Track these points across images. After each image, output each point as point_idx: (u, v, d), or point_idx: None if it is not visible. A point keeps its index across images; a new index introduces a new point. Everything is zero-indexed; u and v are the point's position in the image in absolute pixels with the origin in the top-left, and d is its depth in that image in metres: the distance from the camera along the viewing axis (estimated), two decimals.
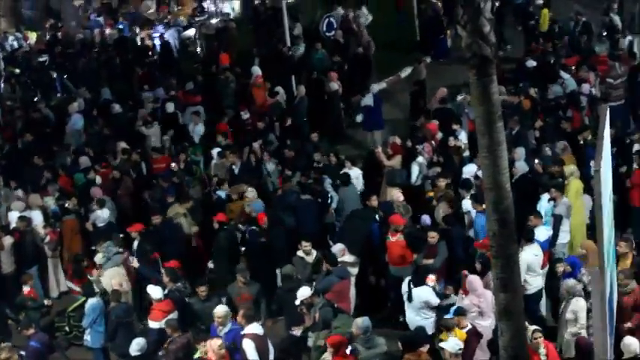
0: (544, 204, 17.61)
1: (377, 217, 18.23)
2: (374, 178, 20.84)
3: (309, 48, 29.72)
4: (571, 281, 14.74)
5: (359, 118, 25.53)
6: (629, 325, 13.94)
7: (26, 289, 18.00)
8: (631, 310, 14.13)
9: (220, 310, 15.01)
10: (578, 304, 14.40)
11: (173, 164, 22.52)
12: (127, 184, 21.69)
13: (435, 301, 15.35)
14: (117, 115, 26.24)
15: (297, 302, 15.36)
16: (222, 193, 20.57)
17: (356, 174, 20.65)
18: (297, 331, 15.58)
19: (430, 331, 15.03)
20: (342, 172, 20.39)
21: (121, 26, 36.61)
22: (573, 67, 25.53)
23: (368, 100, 24.94)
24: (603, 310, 11.10)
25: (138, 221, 19.48)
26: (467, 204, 18.09)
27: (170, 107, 26.26)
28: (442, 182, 18.97)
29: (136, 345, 14.93)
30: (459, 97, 23.74)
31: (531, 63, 25.97)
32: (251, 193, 19.87)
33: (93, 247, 19.22)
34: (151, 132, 25.12)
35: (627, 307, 14.11)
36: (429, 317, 15.37)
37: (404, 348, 13.64)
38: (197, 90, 27.63)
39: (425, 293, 15.38)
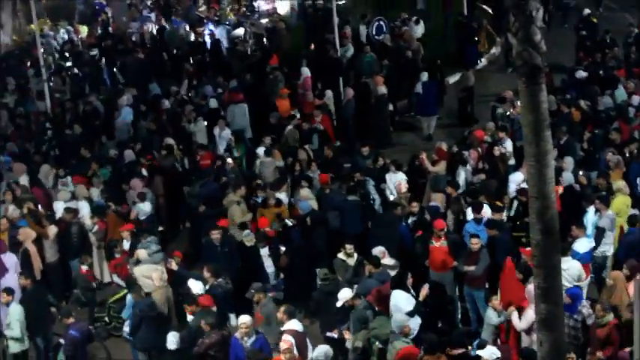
0: (590, 216, 17.50)
1: (407, 221, 18.33)
2: (417, 183, 20.79)
3: (357, 51, 29.73)
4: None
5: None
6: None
7: (84, 267, 18.45)
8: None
9: (246, 318, 14.83)
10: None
11: (229, 160, 22.67)
12: (157, 184, 21.81)
13: (408, 306, 15.14)
14: (165, 111, 26.41)
15: (339, 304, 15.35)
16: (258, 199, 20.60)
17: (399, 178, 20.60)
18: (333, 335, 15.59)
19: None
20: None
21: (174, 24, 36.83)
22: (624, 79, 25.30)
23: (418, 88, 26.37)
24: None
25: (173, 218, 19.68)
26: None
27: (213, 103, 26.44)
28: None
29: (173, 338, 15.01)
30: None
31: (581, 74, 25.79)
32: (305, 191, 19.93)
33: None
34: (197, 128, 25.27)
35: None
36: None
37: (425, 350, 13.70)
38: (241, 88, 27.76)
39: (399, 297, 15.28)
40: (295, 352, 13.86)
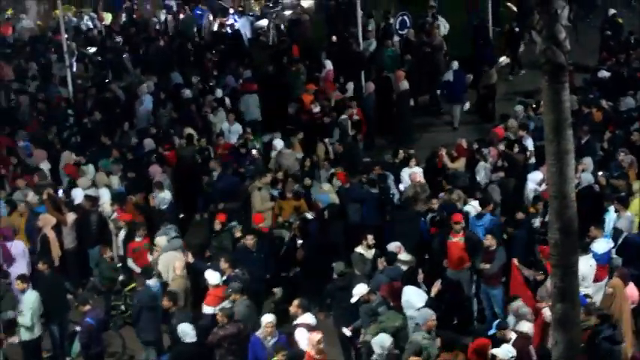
0: (611, 216, 17.43)
1: (426, 217, 18.30)
2: (435, 179, 20.75)
3: (380, 45, 29.68)
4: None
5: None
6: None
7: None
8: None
9: (270, 317, 14.69)
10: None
11: (254, 151, 22.77)
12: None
13: (420, 302, 15.11)
14: (186, 100, 26.47)
15: (354, 300, 15.31)
16: (274, 192, 20.54)
17: (420, 175, 20.54)
18: (347, 331, 15.56)
19: None
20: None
21: (198, 12, 36.87)
22: None
23: (448, 75, 26.95)
24: None
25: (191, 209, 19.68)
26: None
27: (218, 93, 26.95)
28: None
29: (189, 330, 14.96)
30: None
31: (604, 74, 25.66)
32: (326, 185, 19.91)
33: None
34: (217, 119, 25.30)
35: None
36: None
37: (442, 346, 13.67)
38: (258, 78, 27.79)
39: (410, 293, 15.26)
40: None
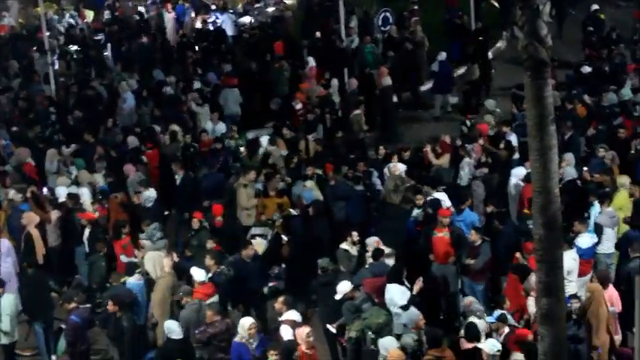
0: (596, 211, 17.51)
1: (414, 214, 18.27)
2: (420, 175, 20.77)
3: (360, 41, 29.76)
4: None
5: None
6: None
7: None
8: None
9: (251, 320, 14.66)
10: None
11: (242, 148, 22.94)
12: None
13: (402, 300, 15.13)
14: (169, 97, 26.44)
15: (338, 297, 15.34)
16: (259, 185, 20.52)
17: (401, 169, 20.60)
18: (332, 328, 15.59)
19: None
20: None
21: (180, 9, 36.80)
22: (633, 74, 25.27)
23: (434, 66, 27.73)
24: None
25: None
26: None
27: (197, 84, 27.14)
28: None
29: (175, 327, 14.95)
30: None
31: (586, 69, 25.78)
32: (309, 182, 19.94)
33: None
34: (202, 110, 25.31)
35: None
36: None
37: (428, 344, 13.71)
38: (236, 74, 27.84)
39: (393, 291, 15.28)
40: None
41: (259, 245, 18.14)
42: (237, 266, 16.85)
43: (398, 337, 14.47)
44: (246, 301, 17.01)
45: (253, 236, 18.88)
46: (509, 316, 14.54)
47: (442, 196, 18.41)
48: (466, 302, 14.91)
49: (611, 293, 14.95)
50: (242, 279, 16.71)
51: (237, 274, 16.68)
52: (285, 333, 14.41)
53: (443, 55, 27.67)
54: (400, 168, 20.34)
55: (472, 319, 14.22)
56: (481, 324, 14.15)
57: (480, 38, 29.20)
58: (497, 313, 14.45)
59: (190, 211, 19.52)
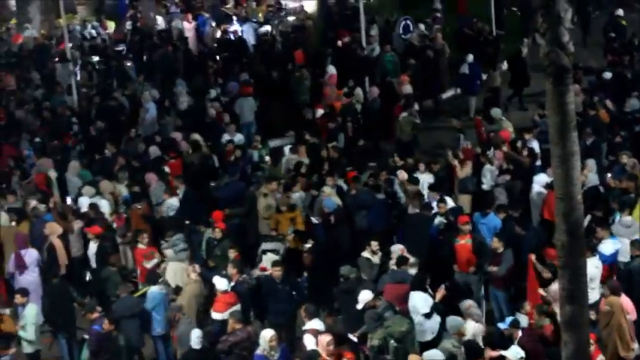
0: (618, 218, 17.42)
1: (436, 222, 18.24)
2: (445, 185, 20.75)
3: (381, 50, 29.78)
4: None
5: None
6: None
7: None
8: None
9: (271, 332, 14.56)
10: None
11: (267, 157, 23.13)
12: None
13: (425, 308, 15.17)
14: (189, 107, 26.54)
15: (359, 306, 15.31)
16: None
17: (427, 178, 20.59)
18: (353, 337, 15.55)
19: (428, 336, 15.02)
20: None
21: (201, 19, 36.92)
22: None
23: (464, 68, 27.99)
24: None
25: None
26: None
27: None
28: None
29: (196, 337, 15.01)
30: None
31: (608, 75, 25.68)
32: (328, 188, 19.93)
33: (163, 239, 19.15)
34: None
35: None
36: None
37: (468, 355, 13.67)
38: (251, 82, 28.05)
39: (416, 298, 15.29)
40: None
41: (271, 260, 17.90)
42: (268, 286, 16.68)
43: (422, 343, 14.56)
44: (274, 321, 16.61)
45: (264, 251, 18.57)
46: (523, 320, 14.56)
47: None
48: (465, 305, 14.83)
49: (627, 302, 14.83)
50: (271, 299, 16.50)
51: (267, 294, 16.55)
52: (309, 342, 14.41)
53: (470, 57, 28.00)
54: (405, 176, 20.35)
55: (469, 322, 14.33)
56: (478, 328, 14.18)
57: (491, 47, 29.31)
58: (510, 319, 14.44)
59: (196, 222, 19.60)
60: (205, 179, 22.24)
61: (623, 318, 14.41)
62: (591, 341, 12.14)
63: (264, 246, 18.80)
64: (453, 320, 14.29)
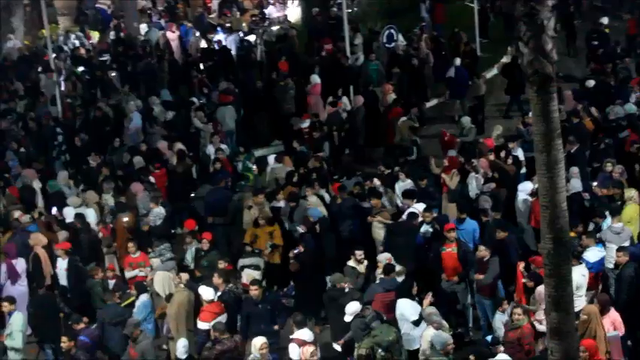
0: (606, 225, 17.46)
1: (422, 230, 18.25)
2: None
3: (365, 59, 29.82)
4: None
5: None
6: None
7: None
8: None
9: (260, 341, 14.54)
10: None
11: (254, 167, 23.15)
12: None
13: (414, 315, 15.21)
14: (173, 117, 26.55)
15: (348, 319, 15.28)
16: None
17: (409, 185, 20.55)
18: (337, 346, 15.54)
19: (416, 345, 15.04)
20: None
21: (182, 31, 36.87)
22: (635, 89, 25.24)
23: (450, 72, 28.11)
24: None
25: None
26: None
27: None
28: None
29: (181, 347, 15.01)
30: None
31: (590, 83, 25.77)
32: (312, 197, 19.91)
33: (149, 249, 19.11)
34: (206, 129, 25.44)
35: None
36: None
37: None
38: (231, 90, 28.02)
39: (404, 306, 15.34)
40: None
41: (250, 276, 17.75)
42: (247, 306, 16.39)
43: (410, 352, 14.71)
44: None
45: (242, 267, 18.40)
46: (503, 318, 14.91)
47: (420, 207, 18.68)
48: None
49: (614, 317, 14.77)
50: (252, 320, 16.22)
51: (247, 314, 16.35)
52: (293, 352, 14.43)
53: (457, 61, 28.16)
54: (376, 183, 20.50)
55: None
56: (437, 335, 14.15)
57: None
58: (489, 338, 14.58)
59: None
60: (187, 190, 22.19)
61: (599, 327, 14.32)
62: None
63: (242, 262, 18.49)
64: (438, 336, 14.18)
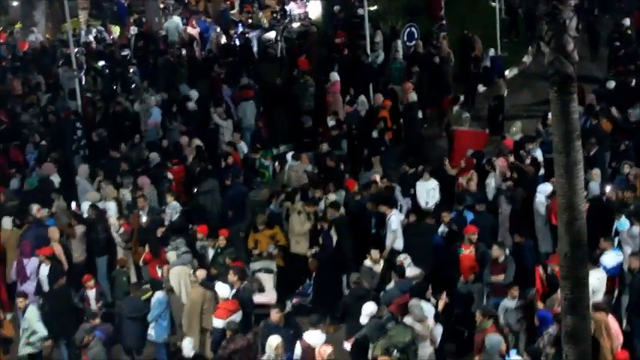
0: (622, 228, 17.28)
1: (440, 231, 18.19)
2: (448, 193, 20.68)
3: (387, 57, 29.69)
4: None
5: None
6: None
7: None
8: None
9: (276, 340, 14.38)
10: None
11: (276, 163, 23.40)
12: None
13: (424, 314, 15.06)
14: (193, 112, 26.51)
15: (364, 320, 15.22)
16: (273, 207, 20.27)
17: (432, 185, 20.54)
18: (347, 345, 15.48)
19: None
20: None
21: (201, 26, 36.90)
22: None
23: (486, 62, 28.91)
24: None
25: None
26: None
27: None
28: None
29: (189, 344, 15.04)
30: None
31: (611, 84, 25.60)
32: (332, 196, 19.84)
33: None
34: (226, 125, 25.40)
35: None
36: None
37: None
38: (252, 86, 28.01)
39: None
40: None
41: (266, 281, 17.77)
42: (269, 333, 15.16)
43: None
44: None
45: (253, 272, 18.25)
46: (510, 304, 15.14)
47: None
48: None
49: (612, 324, 14.45)
50: None
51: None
52: (298, 350, 14.42)
53: (492, 51, 28.66)
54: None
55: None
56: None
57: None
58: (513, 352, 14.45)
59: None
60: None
61: (604, 336, 14.04)
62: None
63: (253, 266, 18.37)
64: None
